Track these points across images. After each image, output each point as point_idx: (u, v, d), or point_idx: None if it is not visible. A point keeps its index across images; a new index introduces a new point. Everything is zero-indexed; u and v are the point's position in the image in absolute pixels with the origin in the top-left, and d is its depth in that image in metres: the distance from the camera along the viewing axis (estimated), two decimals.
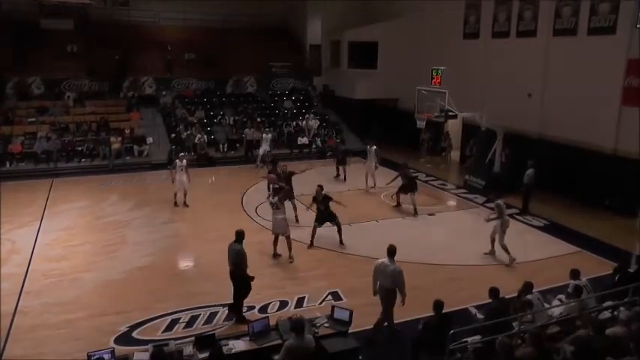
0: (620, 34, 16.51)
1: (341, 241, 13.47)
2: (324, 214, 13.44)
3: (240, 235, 9.83)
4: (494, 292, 8.51)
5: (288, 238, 12.46)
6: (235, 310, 9.82)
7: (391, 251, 9.04)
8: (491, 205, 17.38)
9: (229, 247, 9.84)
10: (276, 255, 12.67)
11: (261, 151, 22.37)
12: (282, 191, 12.94)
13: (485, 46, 22.07)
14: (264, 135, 22.80)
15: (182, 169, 16.39)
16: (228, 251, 9.82)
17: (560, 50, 18.60)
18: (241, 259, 9.63)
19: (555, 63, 18.85)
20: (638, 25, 15.99)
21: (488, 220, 13.06)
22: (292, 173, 16.08)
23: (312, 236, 13.45)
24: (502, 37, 21.22)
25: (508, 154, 19.03)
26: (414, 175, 17.56)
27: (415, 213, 16.25)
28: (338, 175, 20.55)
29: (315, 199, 13.59)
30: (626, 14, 16.29)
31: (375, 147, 19.13)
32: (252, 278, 9.80)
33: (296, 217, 15.30)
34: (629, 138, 16.34)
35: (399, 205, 16.93)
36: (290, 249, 12.49)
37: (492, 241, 12.97)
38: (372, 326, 9.21)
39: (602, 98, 17.05)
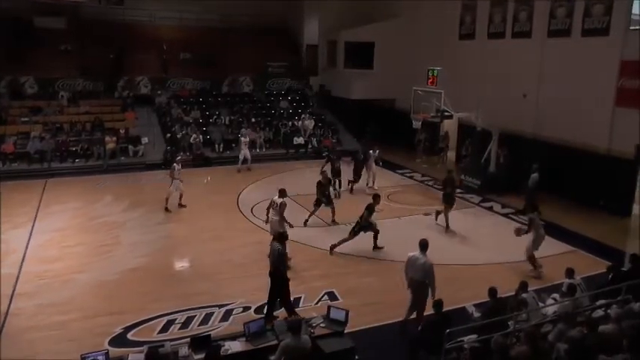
0: (614, 35, 16.61)
1: (376, 245, 13.22)
2: (363, 224, 13.07)
3: (282, 236, 9.81)
4: (492, 292, 8.57)
5: None
6: (268, 314, 9.49)
7: (423, 245, 9.31)
8: (488, 205, 17.65)
9: (271, 244, 9.78)
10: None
11: (241, 156, 21.62)
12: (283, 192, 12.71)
13: (481, 46, 22.14)
14: (242, 138, 21.93)
15: (179, 173, 16.37)
16: (270, 250, 9.75)
17: (555, 51, 18.68)
18: (281, 259, 9.55)
19: (550, 64, 18.92)
20: (631, 27, 16.09)
21: (520, 235, 12.29)
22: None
23: (341, 244, 13.11)
24: (498, 37, 21.31)
25: (506, 154, 19.08)
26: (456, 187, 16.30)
27: (447, 227, 15.09)
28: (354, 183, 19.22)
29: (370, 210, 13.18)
30: (620, 16, 16.39)
31: (377, 151, 19.15)
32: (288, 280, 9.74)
33: (333, 220, 15.38)
34: (622, 138, 16.45)
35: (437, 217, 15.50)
36: None
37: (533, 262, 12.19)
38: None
39: (596, 99, 17.15)
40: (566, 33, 18.28)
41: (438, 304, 8.16)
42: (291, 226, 12.32)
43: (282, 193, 12.58)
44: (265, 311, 9.63)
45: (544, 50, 19.17)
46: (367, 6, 28.77)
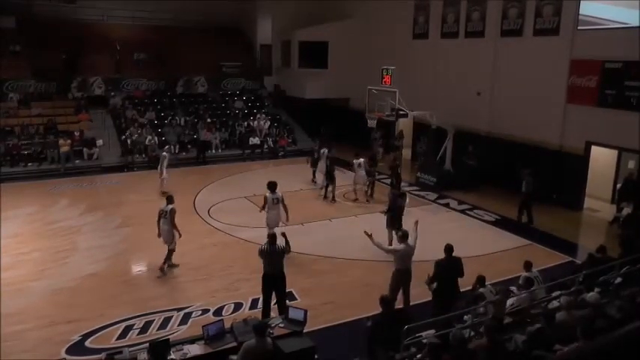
0: (564, 35, 17.10)
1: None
2: None
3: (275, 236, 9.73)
4: (481, 279, 8.85)
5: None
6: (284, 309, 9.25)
7: (406, 235, 10.25)
8: (444, 201, 17.93)
9: (271, 251, 9.49)
10: None
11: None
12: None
13: (435, 46, 22.46)
14: (164, 153, 18.85)
15: None
16: (272, 255, 9.49)
17: (508, 50, 19.13)
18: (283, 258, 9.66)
19: (503, 62, 19.37)
20: (579, 27, 16.61)
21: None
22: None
23: None
24: (451, 37, 21.65)
25: (471, 152, 19.40)
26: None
27: None
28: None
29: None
30: (569, 16, 16.89)
31: (362, 159, 18.04)
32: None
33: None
34: (573, 135, 16.97)
35: None
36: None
37: None
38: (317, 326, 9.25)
39: (548, 96, 17.62)
40: (518, 33, 18.72)
41: (385, 301, 8.13)
42: (180, 235, 12.02)
43: (170, 199, 12.15)
44: (262, 312, 9.63)
45: (497, 49, 19.60)
46: (320, 6, 28.91)
